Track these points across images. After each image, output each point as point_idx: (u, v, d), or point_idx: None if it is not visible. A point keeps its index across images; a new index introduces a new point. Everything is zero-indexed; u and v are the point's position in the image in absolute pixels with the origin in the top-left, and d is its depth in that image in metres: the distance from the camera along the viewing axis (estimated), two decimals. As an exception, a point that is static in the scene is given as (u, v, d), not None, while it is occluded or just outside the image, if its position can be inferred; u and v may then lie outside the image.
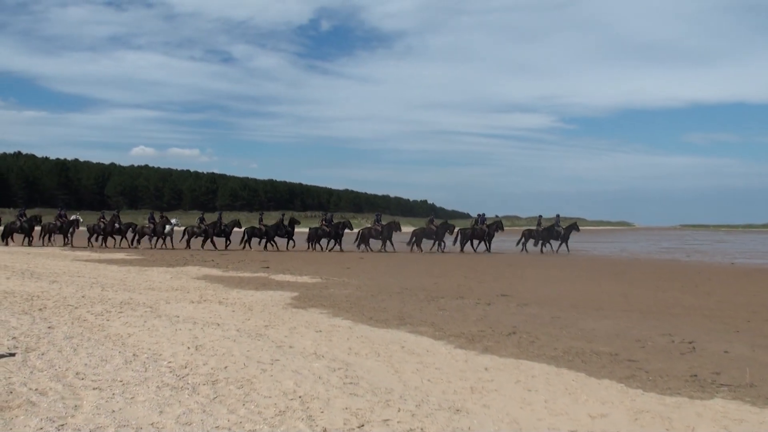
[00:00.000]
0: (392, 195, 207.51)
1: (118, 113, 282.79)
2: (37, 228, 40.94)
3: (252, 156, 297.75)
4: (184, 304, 13.62)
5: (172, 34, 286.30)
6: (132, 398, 6.45)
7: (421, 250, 41.52)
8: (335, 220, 42.65)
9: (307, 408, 6.35)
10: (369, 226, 43.37)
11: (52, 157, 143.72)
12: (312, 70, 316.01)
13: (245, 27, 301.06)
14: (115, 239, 40.75)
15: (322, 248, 40.57)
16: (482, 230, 42.46)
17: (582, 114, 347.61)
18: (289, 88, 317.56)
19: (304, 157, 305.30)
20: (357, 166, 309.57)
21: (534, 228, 44.00)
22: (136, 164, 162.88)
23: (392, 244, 41.27)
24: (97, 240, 40.60)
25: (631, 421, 6.33)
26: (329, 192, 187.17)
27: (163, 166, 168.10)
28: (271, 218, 47.89)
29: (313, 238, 41.00)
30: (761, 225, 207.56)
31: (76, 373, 7.32)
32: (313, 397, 6.70)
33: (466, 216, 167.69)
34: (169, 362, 8.06)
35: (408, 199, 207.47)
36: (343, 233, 41.44)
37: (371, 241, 41.23)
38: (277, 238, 40.69)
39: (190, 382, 7.14)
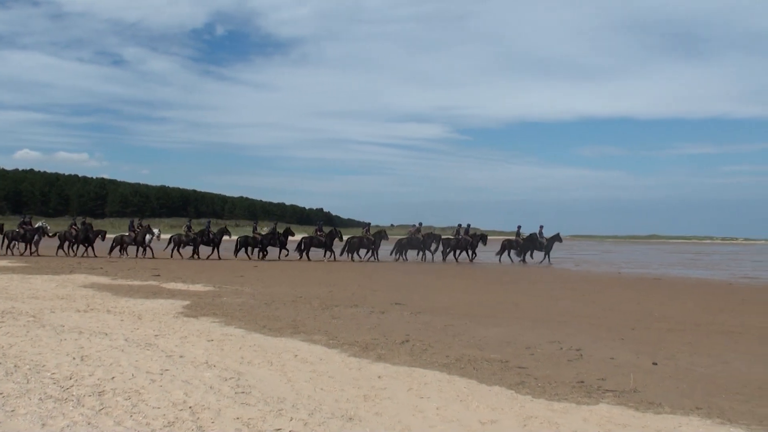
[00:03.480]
0: (288, 203, 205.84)
1: (1, 115, 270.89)
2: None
3: (143, 161, 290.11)
4: (69, 313, 13.18)
5: (59, 34, 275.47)
6: (12, 411, 6.19)
7: (406, 260, 41.62)
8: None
9: (198, 418, 6.23)
10: (359, 235, 42.79)
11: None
12: (206, 75, 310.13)
13: (137, 29, 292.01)
14: (85, 247, 38.64)
15: (309, 258, 39.78)
16: (466, 240, 42.53)
17: (477, 125, 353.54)
18: (182, 93, 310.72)
19: (197, 164, 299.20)
20: (252, 174, 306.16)
21: (514, 238, 43.90)
22: (20, 168, 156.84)
23: (377, 254, 41.31)
24: (67, 248, 38.44)
25: (520, 427, 6.45)
26: (224, 199, 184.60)
27: (49, 170, 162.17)
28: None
29: (308, 246, 40.29)
30: (646, 236, 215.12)
31: (-48, 386, 6.99)
32: (204, 408, 6.58)
33: (361, 225, 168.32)
34: (53, 373, 7.79)
35: (304, 207, 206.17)
36: (331, 242, 40.96)
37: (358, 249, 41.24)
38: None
39: (74, 393, 6.91)
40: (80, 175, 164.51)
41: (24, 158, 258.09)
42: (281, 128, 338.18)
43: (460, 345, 10.97)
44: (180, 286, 20.37)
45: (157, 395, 6.99)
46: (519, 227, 44.40)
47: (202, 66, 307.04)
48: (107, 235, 40.97)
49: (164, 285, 20.53)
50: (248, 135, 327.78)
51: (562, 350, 10.70)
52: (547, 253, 42.92)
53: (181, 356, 9.19)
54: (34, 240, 38.04)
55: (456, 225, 43.97)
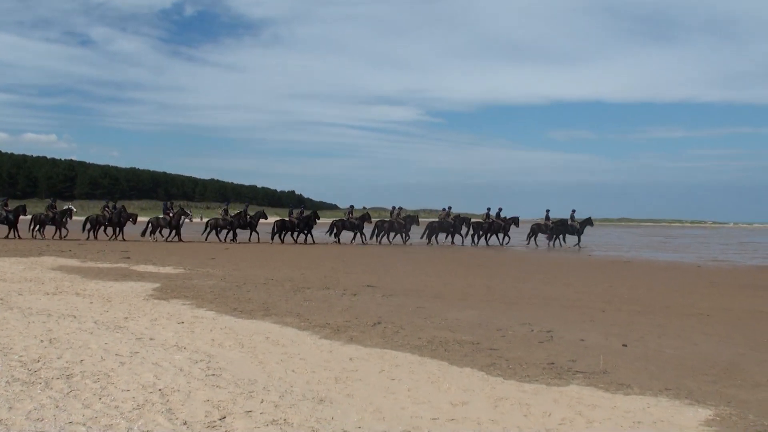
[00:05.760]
0: (259, 185, 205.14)
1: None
2: (23, 219, 37.60)
3: (113, 143, 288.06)
4: (38, 296, 13.05)
5: (25, 13, 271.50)
6: (-22, 394, 6.10)
7: (438, 243, 41.70)
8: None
9: (167, 401, 6.19)
10: (389, 219, 42.85)
11: None
12: (176, 56, 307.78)
13: (104, 9, 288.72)
14: (115, 231, 37.94)
15: (339, 241, 40.25)
16: (498, 224, 42.38)
17: (448, 108, 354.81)
18: (151, 74, 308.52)
19: (167, 146, 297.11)
20: (223, 156, 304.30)
21: (543, 222, 43.76)
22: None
23: (409, 237, 41.54)
24: (98, 231, 37.77)
25: (491, 408, 6.47)
26: (194, 181, 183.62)
27: (16, 152, 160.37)
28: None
29: (339, 229, 40.45)
30: (616, 219, 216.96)
31: None
32: (174, 390, 6.54)
33: (335, 207, 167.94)
34: (21, 356, 7.69)
35: (275, 190, 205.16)
36: (363, 225, 41.17)
37: (386, 233, 41.55)
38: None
39: (42, 376, 6.84)
40: (48, 156, 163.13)
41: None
42: (252, 110, 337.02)
43: (431, 327, 10.99)
44: (150, 268, 20.23)
45: (127, 378, 6.93)
46: (548, 211, 44.30)
47: (171, 47, 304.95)
48: (139, 218, 40.43)
49: (134, 267, 20.37)
50: (219, 117, 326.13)
51: (533, 332, 10.75)
52: (579, 236, 43.06)
53: (151, 339, 9.12)
54: (64, 222, 37.60)
55: (486, 209, 43.69)
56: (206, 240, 37.93)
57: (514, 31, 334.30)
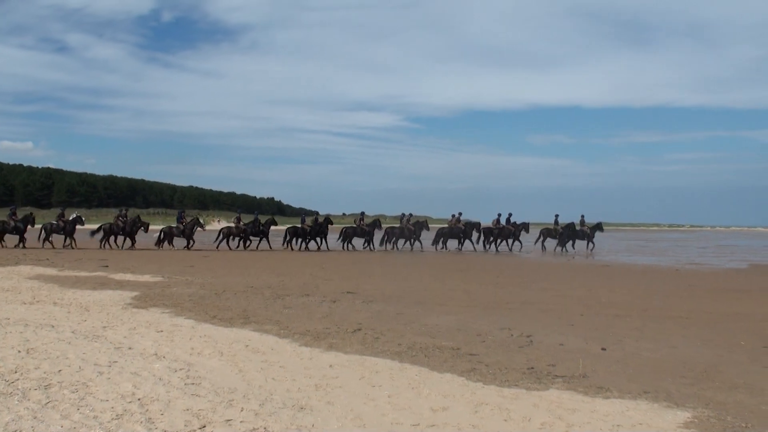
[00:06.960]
0: (238, 192, 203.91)
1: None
2: (31, 228, 36.98)
3: (90, 150, 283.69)
4: (14, 306, 12.92)
5: (0, 19, 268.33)
6: (-46, 406, 6.04)
7: (447, 249, 41.56)
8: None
9: (147, 410, 6.15)
10: (398, 225, 42.85)
11: None
12: (153, 62, 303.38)
13: (81, 15, 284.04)
14: (132, 240, 37.44)
15: (353, 247, 40.38)
16: (509, 230, 42.23)
17: (427, 114, 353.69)
18: (129, 81, 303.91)
19: (145, 153, 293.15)
20: (201, 163, 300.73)
21: (552, 227, 43.75)
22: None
23: (421, 243, 41.49)
24: (114, 241, 37.31)
25: (472, 414, 6.48)
26: (173, 188, 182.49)
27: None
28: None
29: (350, 236, 40.42)
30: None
31: None
32: (153, 399, 6.50)
33: (315, 214, 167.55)
34: (-3, 367, 7.62)
35: (255, 197, 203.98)
36: (374, 232, 41.19)
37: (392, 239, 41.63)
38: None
39: (20, 387, 6.77)
40: (25, 164, 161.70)
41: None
42: (230, 117, 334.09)
43: (411, 333, 11.00)
44: (129, 276, 20.10)
45: (105, 388, 6.88)
46: (557, 216, 44.21)
47: (148, 53, 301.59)
48: (152, 227, 40.19)
49: (112, 276, 20.23)
50: (196, 123, 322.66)
51: (512, 337, 10.79)
52: (591, 241, 43.37)
53: (129, 348, 9.07)
54: (74, 232, 37.26)
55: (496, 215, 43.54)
56: (218, 248, 37.83)
57: (493, 36, 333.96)
